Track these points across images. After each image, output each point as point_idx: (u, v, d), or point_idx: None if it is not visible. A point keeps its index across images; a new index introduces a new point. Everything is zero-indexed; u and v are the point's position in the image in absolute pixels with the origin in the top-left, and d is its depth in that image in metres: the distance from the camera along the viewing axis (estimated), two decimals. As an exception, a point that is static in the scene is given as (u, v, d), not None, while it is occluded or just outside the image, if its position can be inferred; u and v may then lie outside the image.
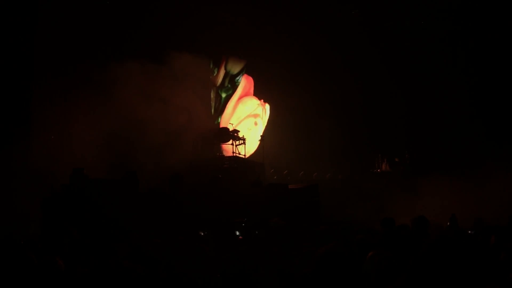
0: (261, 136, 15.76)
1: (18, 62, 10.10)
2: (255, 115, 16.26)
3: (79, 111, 12.17)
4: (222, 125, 15.28)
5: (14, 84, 10.02)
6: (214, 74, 15.94)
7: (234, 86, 16.39)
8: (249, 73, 16.36)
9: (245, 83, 16.48)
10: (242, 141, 14.38)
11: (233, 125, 14.88)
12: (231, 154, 13.87)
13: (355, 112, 16.67)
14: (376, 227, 6.00)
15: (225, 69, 16.26)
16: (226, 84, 16.27)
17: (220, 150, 14.53)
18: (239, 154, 14.38)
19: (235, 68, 16.46)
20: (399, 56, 16.28)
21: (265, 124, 16.42)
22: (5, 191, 9.27)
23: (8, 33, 10.05)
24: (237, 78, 16.48)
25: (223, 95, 16.21)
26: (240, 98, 16.27)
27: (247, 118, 16.17)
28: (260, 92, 16.47)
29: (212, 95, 15.96)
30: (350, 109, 16.66)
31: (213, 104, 15.95)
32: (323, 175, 15.15)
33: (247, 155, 14.49)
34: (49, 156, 10.85)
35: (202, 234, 5.18)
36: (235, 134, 14.04)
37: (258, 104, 16.29)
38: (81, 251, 4.04)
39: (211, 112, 15.66)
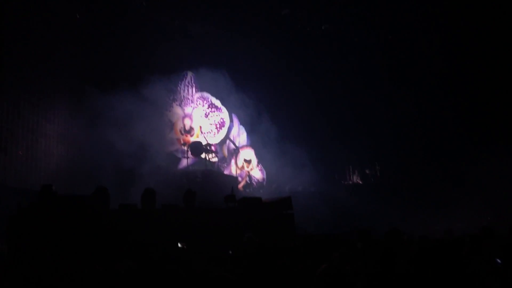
0: (234, 149, 15.83)
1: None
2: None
3: (49, 126, 11.96)
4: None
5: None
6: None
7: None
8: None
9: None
10: (215, 155, 14.33)
11: (206, 139, 14.81)
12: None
13: (328, 123, 16.91)
14: (353, 239, 6.03)
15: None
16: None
17: None
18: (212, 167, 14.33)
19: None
20: (372, 68, 16.62)
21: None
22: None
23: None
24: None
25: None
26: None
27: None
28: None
29: None
30: (323, 120, 16.89)
31: None
32: (296, 187, 15.21)
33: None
34: (17, 172, 10.57)
35: (181, 245, 5.06)
36: (208, 148, 13.97)
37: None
38: (53, 271, 3.91)
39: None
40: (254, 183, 16.14)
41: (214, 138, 15.42)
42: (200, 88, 15.86)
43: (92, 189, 7.59)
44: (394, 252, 4.23)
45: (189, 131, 15.26)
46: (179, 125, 15.22)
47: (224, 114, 15.81)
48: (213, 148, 14.36)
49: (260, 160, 16.38)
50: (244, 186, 15.62)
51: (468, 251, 4.59)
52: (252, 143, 16.60)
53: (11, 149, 10.39)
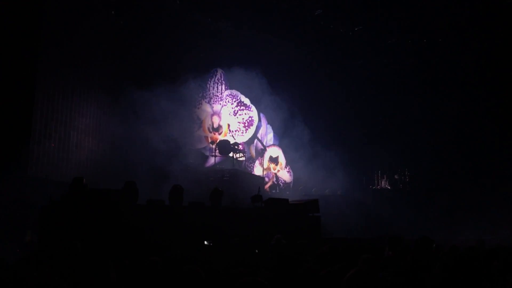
0: (261, 149, 15.82)
1: (20, 69, 10.03)
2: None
3: (82, 120, 12.18)
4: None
5: (15, 90, 9.95)
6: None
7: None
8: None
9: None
10: (242, 154, 14.32)
11: (234, 137, 14.82)
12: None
13: (359, 127, 16.73)
14: (380, 244, 5.92)
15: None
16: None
17: None
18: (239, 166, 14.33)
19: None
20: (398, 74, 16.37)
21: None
22: (4, 198, 9.17)
23: (12, 42, 10.00)
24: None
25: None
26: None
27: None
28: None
29: None
30: (355, 125, 16.72)
31: None
32: (322, 190, 15.08)
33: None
34: (49, 164, 10.79)
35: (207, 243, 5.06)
36: (236, 147, 13.97)
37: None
38: (84, 264, 3.95)
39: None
40: (281, 184, 16.04)
41: (242, 137, 15.35)
42: (230, 87, 15.79)
43: (123, 184, 7.69)
44: (425, 261, 4.13)
45: (217, 129, 15.19)
46: (208, 123, 15.14)
47: (253, 112, 15.60)
48: (240, 147, 14.33)
49: (290, 162, 16.29)
50: (270, 187, 15.57)
51: (500, 265, 4.42)
52: (284, 146, 16.46)
53: (44, 141, 10.62)
